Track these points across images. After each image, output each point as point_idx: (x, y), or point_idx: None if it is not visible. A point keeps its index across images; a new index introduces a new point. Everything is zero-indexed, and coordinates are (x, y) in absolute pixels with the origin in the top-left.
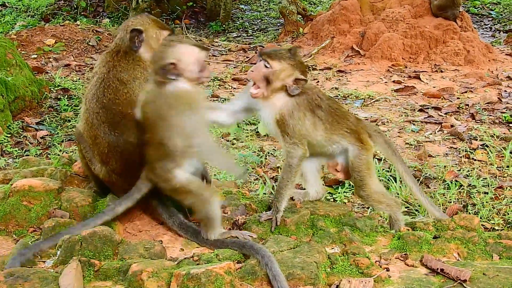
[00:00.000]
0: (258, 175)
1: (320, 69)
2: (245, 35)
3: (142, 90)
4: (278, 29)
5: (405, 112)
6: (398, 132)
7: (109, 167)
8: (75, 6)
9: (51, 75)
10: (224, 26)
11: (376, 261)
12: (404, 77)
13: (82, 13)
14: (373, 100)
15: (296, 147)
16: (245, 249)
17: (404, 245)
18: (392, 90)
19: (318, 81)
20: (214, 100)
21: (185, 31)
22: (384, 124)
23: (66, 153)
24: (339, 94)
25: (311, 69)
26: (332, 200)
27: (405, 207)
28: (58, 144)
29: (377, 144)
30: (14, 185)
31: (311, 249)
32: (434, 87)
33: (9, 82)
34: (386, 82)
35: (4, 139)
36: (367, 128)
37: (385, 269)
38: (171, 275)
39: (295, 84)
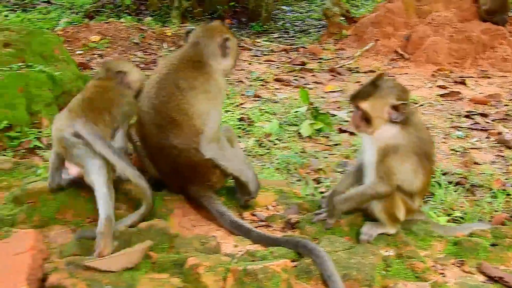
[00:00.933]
0: (300, 176)
1: (363, 72)
2: (286, 36)
3: (197, 100)
4: (320, 31)
5: (450, 118)
6: (443, 138)
7: (157, 167)
8: (118, 4)
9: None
10: (265, 26)
11: (431, 266)
12: (450, 82)
13: (125, 11)
14: (418, 105)
15: (382, 183)
16: (299, 248)
17: (460, 251)
18: (437, 95)
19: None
20: (256, 99)
21: None
22: (429, 129)
23: None
24: None
25: (354, 71)
26: None
27: (447, 215)
28: None
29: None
30: None
31: (366, 250)
32: (480, 93)
33: (56, 76)
34: (430, 86)
35: (51, 132)
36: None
37: (441, 274)
38: (228, 270)
39: (395, 111)
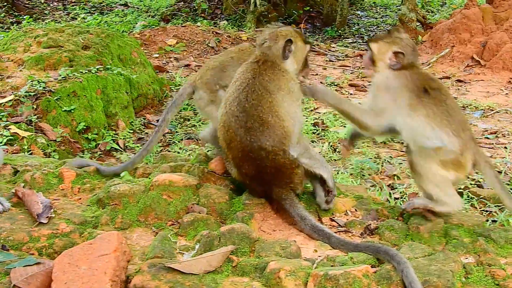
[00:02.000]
0: (375, 182)
1: (438, 78)
2: (361, 41)
3: (285, 101)
4: None
5: None
6: None
7: (242, 171)
8: (194, 8)
9: (171, 74)
10: (339, 31)
11: None
12: None
13: (201, 14)
14: (493, 112)
15: (369, 115)
16: (379, 254)
17: None
18: None
19: None
20: None
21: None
22: (505, 136)
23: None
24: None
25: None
26: None
27: None
28: (178, 142)
29: (483, 174)
30: (155, 179)
31: (446, 257)
32: None
33: (133, 79)
34: (507, 93)
35: (127, 134)
36: (478, 152)
37: None
38: (308, 275)
39: (394, 59)
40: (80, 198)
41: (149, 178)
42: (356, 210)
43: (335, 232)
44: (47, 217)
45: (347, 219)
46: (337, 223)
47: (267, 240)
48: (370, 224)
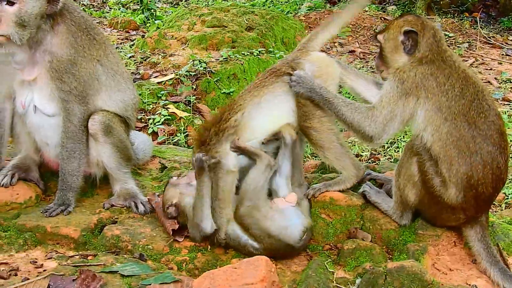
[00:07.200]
0: None
1: None
2: None
3: None
4: None
5: None
6: None
7: (479, 190)
8: None
9: (336, 60)
10: None
11: None
12: None
13: None
14: None
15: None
16: None
17: None
18: None
19: None
20: (504, 103)
21: (477, 25)
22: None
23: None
24: None
25: None
26: None
27: None
28: None
29: None
30: None
31: None
32: None
33: None
34: None
35: None
36: None
37: None
38: None
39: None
40: None
41: None
42: None
43: None
44: (182, 235)
45: None
46: None
47: (443, 284)
48: None
